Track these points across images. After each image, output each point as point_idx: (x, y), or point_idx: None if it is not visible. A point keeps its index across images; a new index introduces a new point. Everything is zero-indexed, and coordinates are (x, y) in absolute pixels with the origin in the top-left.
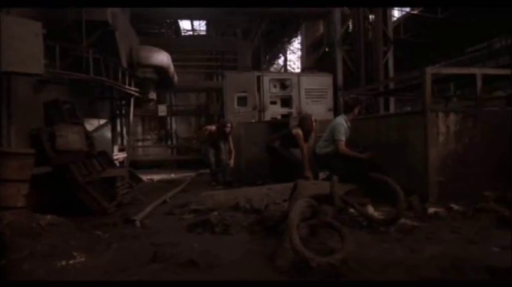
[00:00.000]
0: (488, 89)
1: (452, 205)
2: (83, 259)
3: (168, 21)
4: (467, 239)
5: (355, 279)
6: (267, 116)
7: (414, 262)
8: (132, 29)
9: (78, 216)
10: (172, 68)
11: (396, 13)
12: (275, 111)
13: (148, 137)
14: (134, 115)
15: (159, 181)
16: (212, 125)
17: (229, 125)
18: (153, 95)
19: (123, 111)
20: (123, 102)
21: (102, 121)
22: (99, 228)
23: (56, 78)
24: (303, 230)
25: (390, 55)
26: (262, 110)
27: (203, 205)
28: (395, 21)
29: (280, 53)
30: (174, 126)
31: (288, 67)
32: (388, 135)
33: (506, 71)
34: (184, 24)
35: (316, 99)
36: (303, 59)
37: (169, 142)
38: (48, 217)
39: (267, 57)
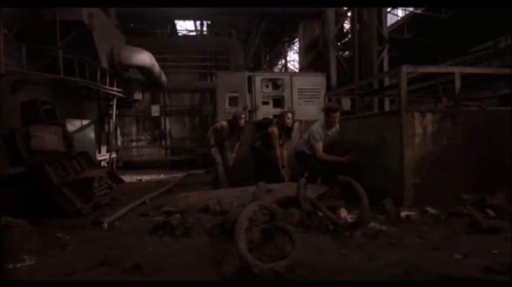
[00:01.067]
0: (491, 89)
1: (428, 209)
2: (32, 263)
3: (164, 22)
4: (432, 245)
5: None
6: (259, 116)
7: (367, 269)
8: (115, 29)
9: (52, 217)
10: (157, 68)
11: (400, 12)
12: (267, 111)
13: (143, 137)
14: (125, 116)
15: (148, 182)
16: (223, 121)
17: (243, 116)
18: (138, 96)
19: (116, 112)
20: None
21: (85, 122)
22: (65, 230)
23: (30, 79)
24: (256, 235)
25: (385, 55)
26: (254, 110)
27: (176, 207)
28: (398, 21)
29: (281, 52)
30: (168, 126)
31: (292, 67)
32: (367, 136)
33: (486, 70)
34: (187, 25)
35: (309, 99)
36: (301, 58)
37: (163, 142)
38: (4, 219)
39: (268, 57)
